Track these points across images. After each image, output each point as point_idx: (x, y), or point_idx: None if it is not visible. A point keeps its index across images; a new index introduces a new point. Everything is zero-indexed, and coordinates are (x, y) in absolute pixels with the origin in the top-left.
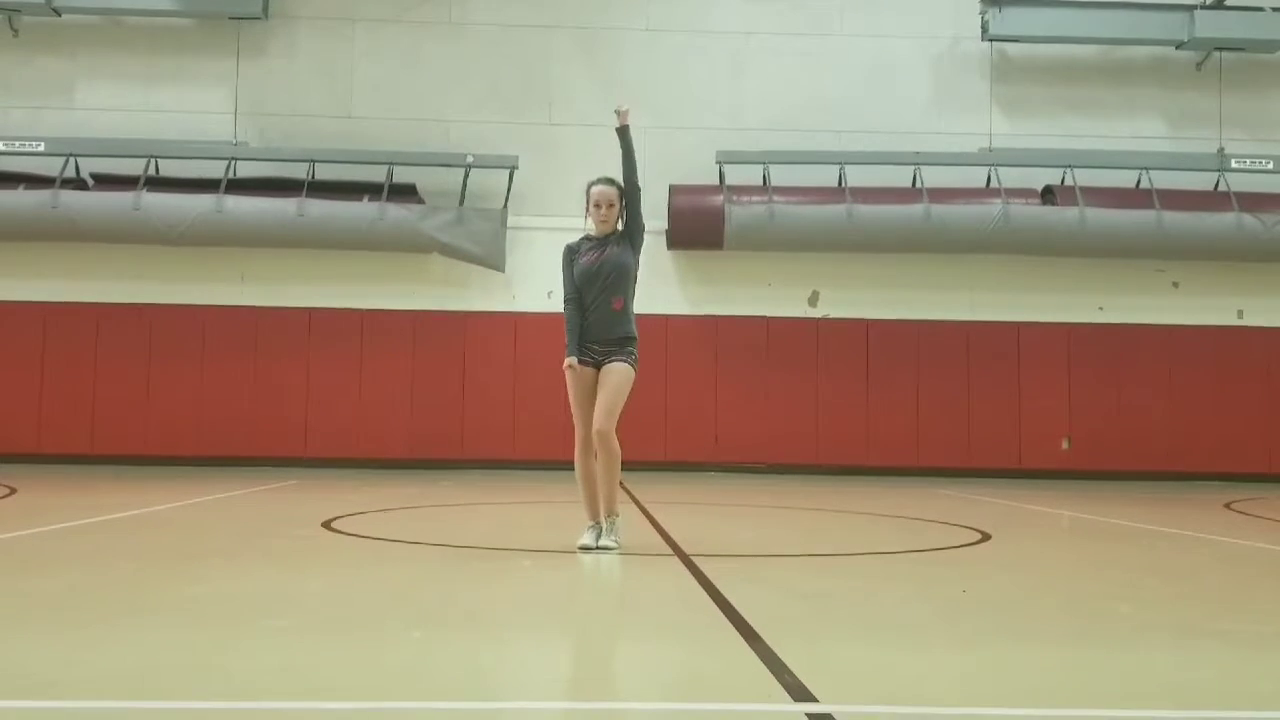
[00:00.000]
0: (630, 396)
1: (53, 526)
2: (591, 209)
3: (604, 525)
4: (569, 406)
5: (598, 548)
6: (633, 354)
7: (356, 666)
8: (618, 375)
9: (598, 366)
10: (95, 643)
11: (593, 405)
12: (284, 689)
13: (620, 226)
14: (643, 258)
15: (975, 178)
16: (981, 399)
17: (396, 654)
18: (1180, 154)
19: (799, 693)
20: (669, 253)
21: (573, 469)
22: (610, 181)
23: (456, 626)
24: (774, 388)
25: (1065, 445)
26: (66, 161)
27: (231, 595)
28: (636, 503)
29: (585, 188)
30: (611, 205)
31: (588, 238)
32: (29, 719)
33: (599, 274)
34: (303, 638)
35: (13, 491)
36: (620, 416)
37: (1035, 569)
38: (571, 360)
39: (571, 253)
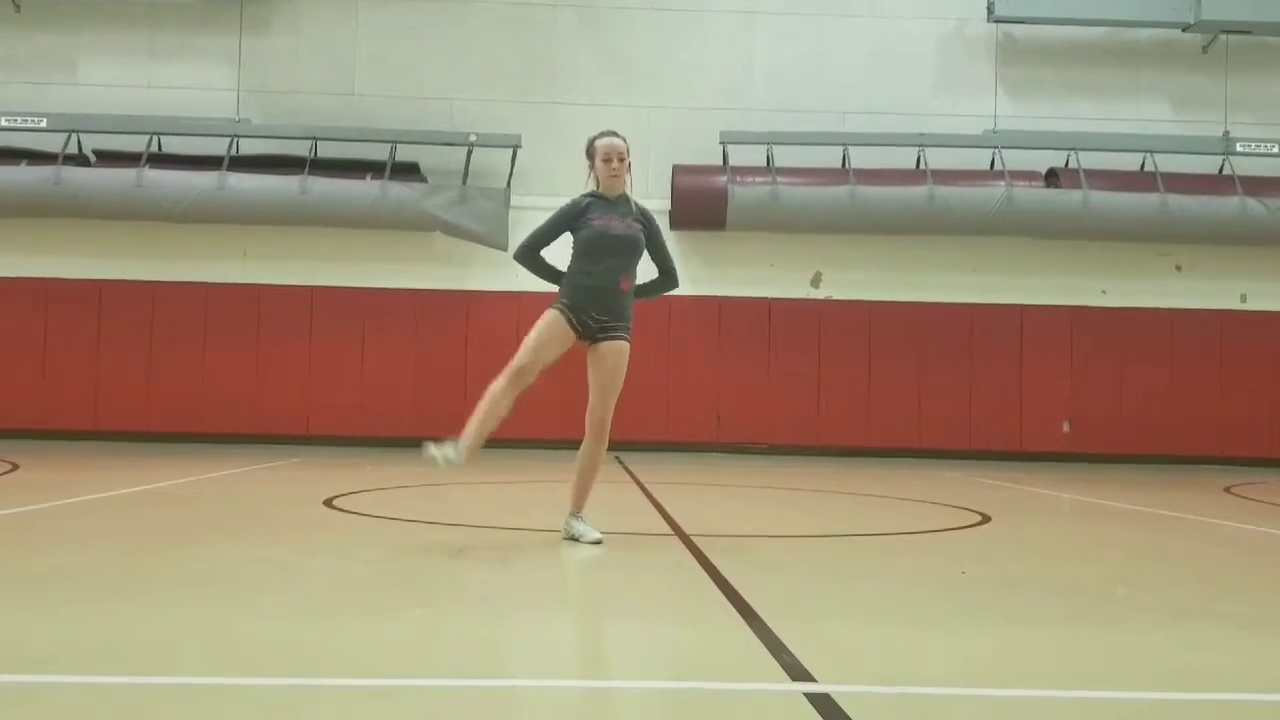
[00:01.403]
0: (633, 373)
1: (55, 503)
2: (600, 164)
3: (574, 519)
4: (575, 384)
5: (580, 538)
6: (629, 331)
7: (358, 644)
8: (622, 357)
9: (590, 338)
10: (95, 619)
11: (549, 361)
12: (285, 666)
13: (630, 190)
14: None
15: (979, 160)
16: (983, 381)
17: (398, 632)
18: (1185, 137)
19: (797, 672)
20: (672, 233)
21: (575, 448)
22: (616, 133)
23: (458, 605)
24: (776, 369)
25: (1066, 428)
26: (69, 138)
27: (233, 572)
28: (638, 483)
29: (588, 143)
30: (622, 159)
31: (596, 197)
32: (29, 694)
33: (618, 244)
34: (304, 615)
35: (15, 468)
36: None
37: (1035, 551)
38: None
39: (578, 209)
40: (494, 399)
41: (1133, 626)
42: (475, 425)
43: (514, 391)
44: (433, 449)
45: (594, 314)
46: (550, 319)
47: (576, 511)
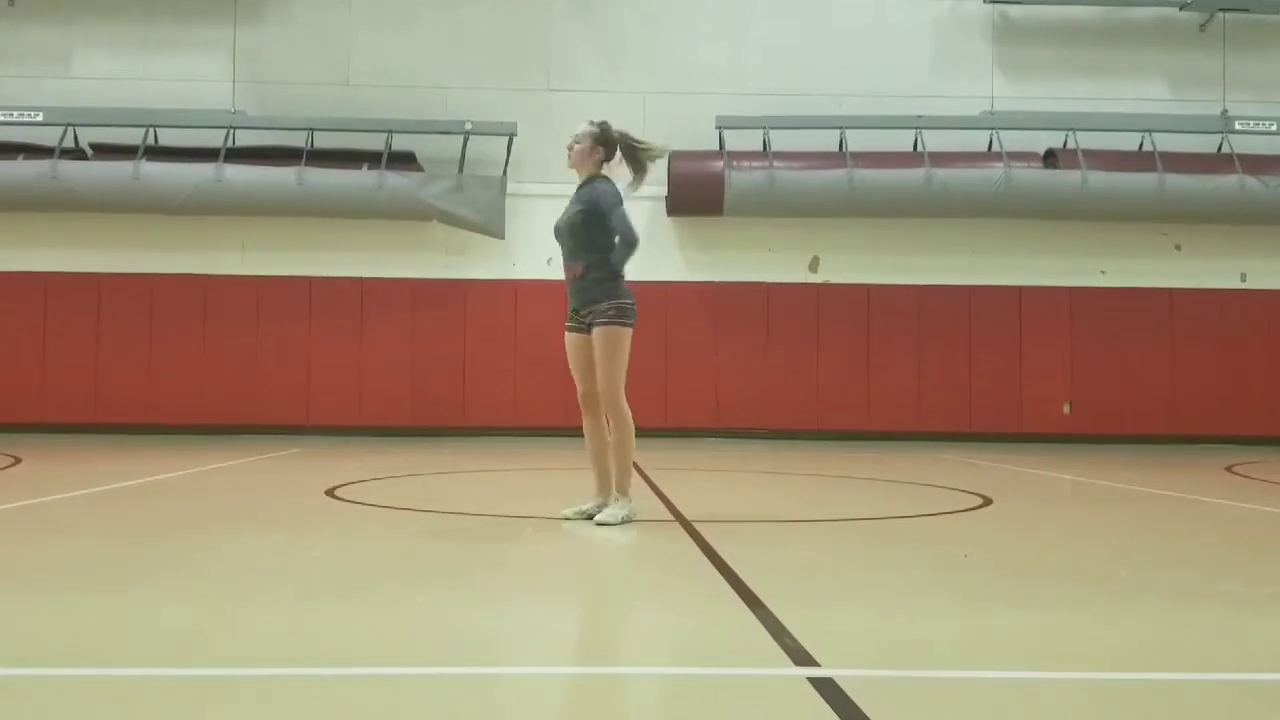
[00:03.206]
0: (631, 360)
1: (56, 495)
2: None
3: (606, 498)
4: (568, 372)
5: (582, 515)
6: (610, 313)
7: (360, 632)
8: (602, 343)
9: (587, 330)
10: (98, 610)
11: (586, 371)
12: (287, 655)
13: (591, 173)
14: (643, 224)
15: (977, 141)
16: (983, 363)
17: (400, 620)
18: (1183, 116)
19: (800, 657)
20: (669, 219)
21: (579, 435)
22: (590, 122)
23: (460, 592)
24: (775, 354)
25: (1067, 409)
26: (65, 131)
27: (235, 562)
28: (638, 469)
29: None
30: (570, 147)
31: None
32: (31, 687)
33: (561, 234)
34: (306, 604)
35: (17, 461)
36: (624, 382)
37: (1036, 533)
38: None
39: None
40: (587, 440)
41: (1134, 608)
42: (597, 470)
43: (595, 416)
44: (605, 514)
45: (579, 308)
46: (566, 342)
47: (604, 494)
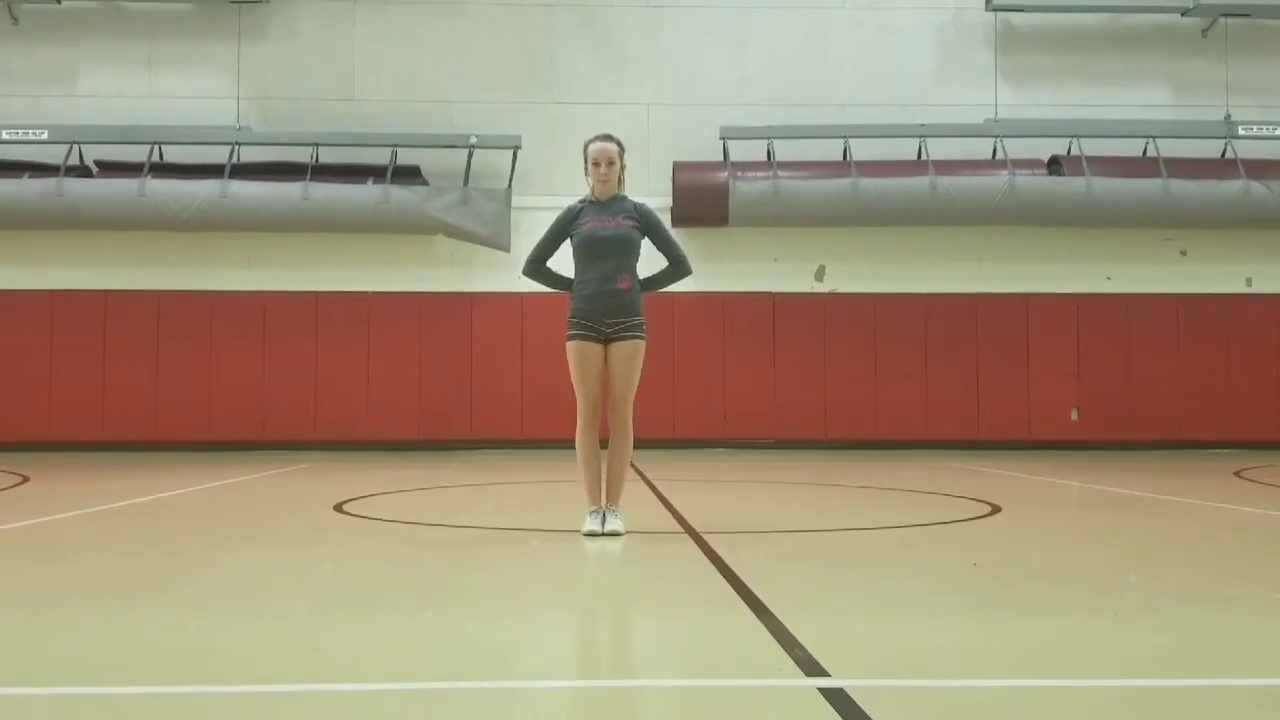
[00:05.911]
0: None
1: (65, 514)
2: (590, 168)
3: (607, 510)
4: (570, 383)
5: (605, 533)
6: (642, 328)
7: (369, 647)
8: (634, 357)
9: (605, 342)
10: (109, 628)
11: (599, 383)
12: (297, 671)
13: (623, 190)
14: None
15: (981, 149)
16: (990, 371)
17: (409, 634)
18: (1187, 122)
19: (811, 667)
20: (674, 230)
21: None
22: (609, 138)
23: (468, 606)
24: (781, 363)
25: (1075, 416)
26: (70, 149)
27: (245, 578)
28: (646, 481)
29: (583, 146)
30: (612, 163)
31: (591, 202)
32: (44, 706)
33: (607, 245)
34: (316, 619)
35: (25, 480)
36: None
37: (1045, 540)
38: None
39: (571, 215)
40: (585, 453)
41: (1145, 614)
42: (587, 483)
43: (593, 432)
44: (594, 525)
45: (605, 319)
46: (570, 352)
47: (611, 504)
